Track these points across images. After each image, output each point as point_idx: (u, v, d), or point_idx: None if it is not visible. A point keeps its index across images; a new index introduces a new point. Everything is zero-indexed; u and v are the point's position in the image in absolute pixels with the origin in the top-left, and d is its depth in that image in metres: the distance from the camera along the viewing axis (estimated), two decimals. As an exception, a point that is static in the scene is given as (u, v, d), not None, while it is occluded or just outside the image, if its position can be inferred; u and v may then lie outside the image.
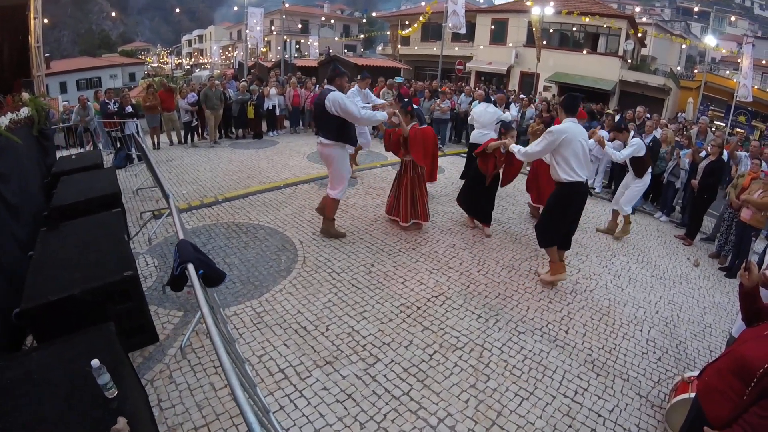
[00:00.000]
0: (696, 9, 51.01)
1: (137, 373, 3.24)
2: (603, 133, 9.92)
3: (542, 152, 5.42)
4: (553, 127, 5.37)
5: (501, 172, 6.94)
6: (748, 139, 16.59)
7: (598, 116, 13.37)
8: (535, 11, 24.78)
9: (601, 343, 4.77)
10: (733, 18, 52.18)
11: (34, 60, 8.94)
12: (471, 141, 9.07)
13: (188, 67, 66.21)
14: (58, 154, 8.89)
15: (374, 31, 51.73)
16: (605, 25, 27.07)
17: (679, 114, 25.93)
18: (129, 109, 11.19)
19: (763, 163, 8.10)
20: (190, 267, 3.05)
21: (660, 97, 27.90)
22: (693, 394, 2.89)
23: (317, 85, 15.54)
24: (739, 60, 20.49)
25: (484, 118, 8.66)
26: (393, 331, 4.52)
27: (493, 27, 32.58)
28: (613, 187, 10.66)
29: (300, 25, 51.23)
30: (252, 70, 28.84)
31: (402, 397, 3.68)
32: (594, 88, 27.05)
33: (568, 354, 4.50)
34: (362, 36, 51.29)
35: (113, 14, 74.28)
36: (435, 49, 29.50)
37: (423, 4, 35.92)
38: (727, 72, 33.47)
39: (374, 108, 7.54)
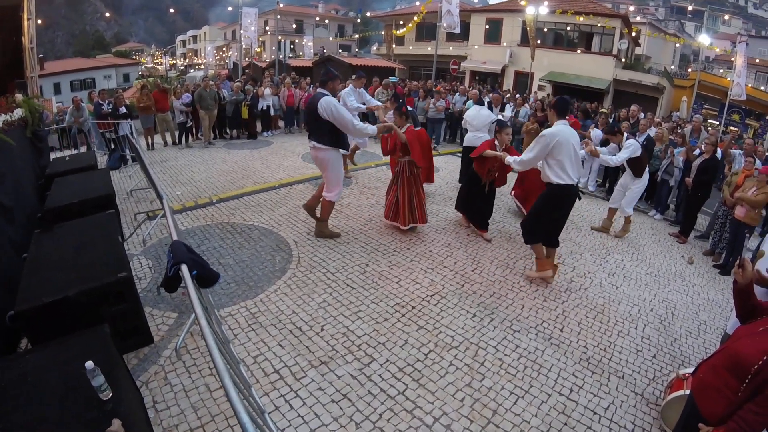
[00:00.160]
0: (690, 8, 51.18)
1: (132, 375, 3.23)
2: (597, 132, 10.00)
3: (536, 157, 5.38)
4: (545, 131, 5.37)
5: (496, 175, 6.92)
6: (742, 137, 16.65)
7: (592, 115, 13.41)
8: (530, 11, 24.83)
9: (596, 341, 4.78)
10: (726, 17, 52.33)
11: (28, 61, 8.90)
12: (465, 144, 9.09)
13: (182, 67, 66.07)
14: (52, 156, 8.85)
15: (369, 31, 51.64)
16: (599, 25, 27.14)
17: (674, 113, 26.01)
18: (123, 110, 11.16)
19: (757, 161, 8.14)
20: (184, 268, 3.05)
21: (654, 95, 28.02)
22: (688, 391, 2.90)
23: (311, 85, 15.53)
24: (732, 59, 20.52)
25: (477, 120, 8.73)
26: (388, 331, 4.53)
27: (487, 26, 32.64)
28: (607, 185, 10.70)
29: (294, 25, 51.24)
30: (246, 71, 28.78)
31: (397, 397, 3.68)
32: (588, 87, 27.17)
33: (563, 352, 4.51)
34: (357, 36, 51.20)
35: (107, 15, 74.10)
36: (429, 48, 29.54)
37: (417, 3, 35.88)
38: (721, 71, 33.61)
39: (369, 109, 7.59)
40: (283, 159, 11.01)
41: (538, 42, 27.84)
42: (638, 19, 39.42)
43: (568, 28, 29.65)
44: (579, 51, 28.84)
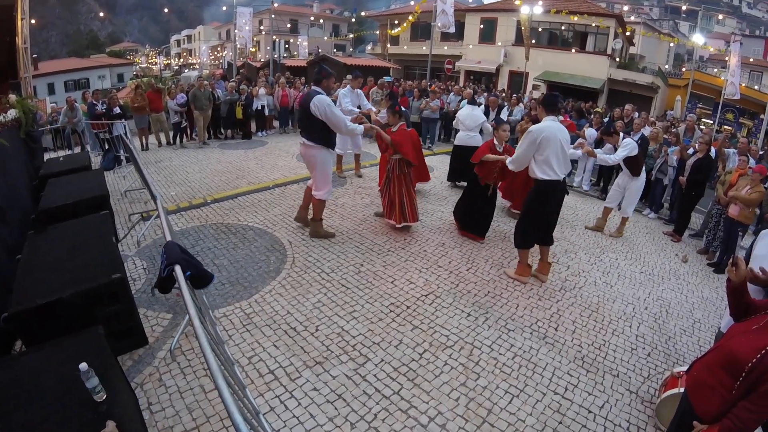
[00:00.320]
0: (684, 8, 51.37)
1: (127, 377, 3.22)
2: (591, 132, 10.02)
3: (526, 154, 5.39)
4: (532, 127, 5.41)
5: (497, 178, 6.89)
6: (736, 135, 16.72)
7: (587, 114, 13.43)
8: (524, 10, 24.85)
9: (591, 339, 4.79)
10: (721, 16, 52.62)
11: (22, 61, 8.85)
12: (456, 143, 9.13)
13: (177, 67, 65.86)
14: (46, 156, 8.83)
15: (363, 31, 51.70)
16: (594, 24, 27.24)
17: (668, 112, 26.11)
18: (117, 110, 11.14)
19: (751, 160, 8.17)
20: (178, 269, 3.04)
21: (648, 95, 28.12)
22: (682, 389, 2.91)
23: (306, 85, 15.51)
24: (726, 58, 20.60)
25: (469, 120, 8.82)
26: (383, 331, 4.53)
27: (482, 26, 32.68)
28: (602, 184, 10.72)
29: (289, 25, 51.09)
30: (241, 70, 28.77)
31: (392, 397, 3.68)
32: (583, 86, 27.24)
33: (558, 351, 4.52)
34: (351, 35, 51.23)
35: (101, 14, 73.77)
36: (424, 48, 29.51)
37: (412, 3, 35.90)
38: (715, 70, 33.74)
39: (362, 113, 7.60)
40: (278, 159, 11.00)
41: (533, 41, 27.89)
42: (632, 18, 39.59)
43: (563, 27, 29.74)
44: (573, 50, 28.93)
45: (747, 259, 3.49)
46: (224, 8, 47.17)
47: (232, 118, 13.41)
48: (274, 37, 33.98)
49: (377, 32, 44.02)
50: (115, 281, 3.67)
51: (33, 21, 10.39)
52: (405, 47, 37.61)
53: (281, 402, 3.52)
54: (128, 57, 65.06)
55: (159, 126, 12.44)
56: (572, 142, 8.58)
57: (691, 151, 8.68)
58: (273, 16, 34.08)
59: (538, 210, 5.54)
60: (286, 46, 47.21)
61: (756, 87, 29.29)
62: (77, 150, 11.06)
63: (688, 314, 5.70)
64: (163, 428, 3.24)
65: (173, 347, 3.78)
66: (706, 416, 2.46)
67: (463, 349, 4.37)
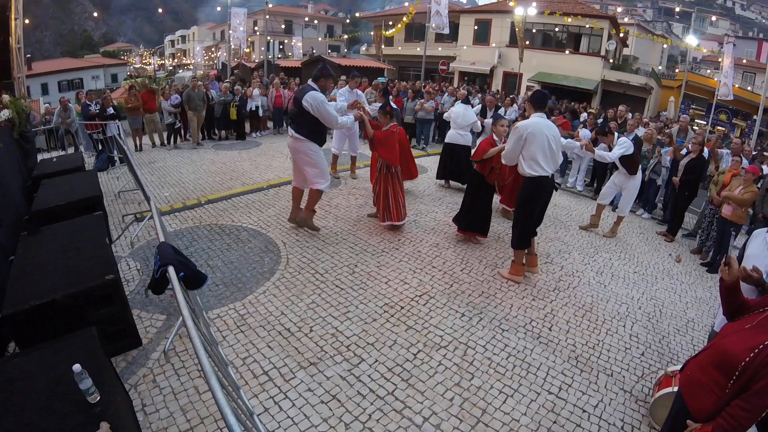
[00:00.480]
0: (677, 9, 51.61)
1: (120, 378, 3.21)
2: (585, 132, 10.05)
3: (514, 149, 5.43)
4: (518, 123, 5.47)
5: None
6: (729, 136, 16.80)
7: (580, 115, 13.48)
8: (518, 12, 24.94)
9: (585, 339, 4.81)
10: (714, 18, 52.85)
11: (15, 61, 8.80)
12: (447, 141, 9.17)
13: (171, 67, 65.70)
14: (39, 157, 8.79)
15: (358, 32, 51.63)
16: (587, 26, 27.31)
17: (661, 113, 26.21)
18: (111, 110, 11.10)
19: (744, 160, 8.21)
20: (171, 269, 3.03)
21: (642, 96, 28.23)
22: (676, 388, 2.92)
23: (300, 85, 15.48)
24: (720, 59, 20.74)
25: (461, 119, 8.91)
26: (377, 331, 4.53)
27: (476, 27, 32.75)
28: (595, 185, 10.76)
29: (283, 26, 51.07)
30: (235, 71, 28.70)
31: (387, 397, 3.68)
32: (577, 87, 27.33)
33: (552, 351, 4.53)
34: (346, 36, 51.19)
35: (95, 14, 73.35)
36: (418, 49, 29.58)
37: (406, 4, 35.99)
38: (708, 71, 33.91)
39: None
40: (272, 160, 10.99)
41: (527, 43, 27.96)
42: (626, 20, 39.69)
43: (557, 28, 29.82)
44: (567, 52, 29.04)
45: (740, 258, 3.51)
46: (219, 9, 47.10)
47: (226, 118, 13.38)
48: (269, 37, 34.01)
49: (372, 33, 43.94)
50: (109, 282, 3.65)
51: (26, 21, 10.34)
52: (399, 48, 37.65)
53: (275, 403, 3.52)
54: (122, 57, 64.97)
55: (153, 127, 12.40)
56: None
57: (684, 151, 8.72)
58: (267, 16, 34.12)
59: (532, 208, 5.58)
60: (281, 46, 47.23)
61: (749, 88, 29.49)
62: (71, 151, 11.03)
63: (682, 314, 5.72)
64: (158, 429, 3.22)
65: (167, 348, 3.77)
66: (700, 415, 2.47)
67: (458, 350, 4.37)
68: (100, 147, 10.69)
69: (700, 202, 8.89)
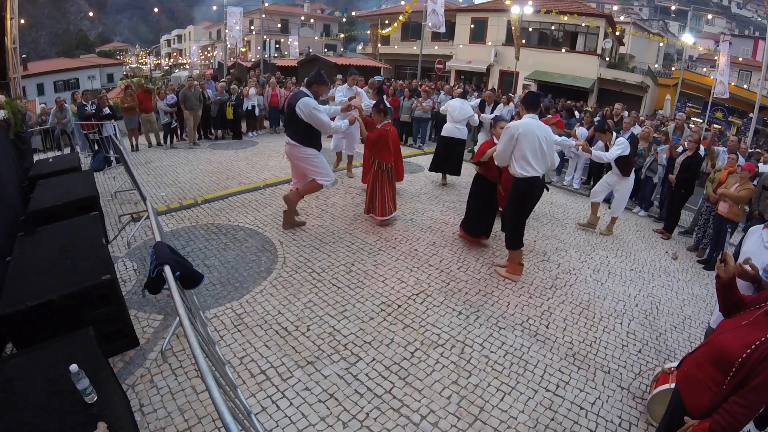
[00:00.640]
0: (673, 8, 51.57)
1: (118, 378, 3.21)
2: (582, 131, 10.06)
3: (505, 149, 5.45)
4: (509, 124, 5.51)
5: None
6: (725, 134, 16.84)
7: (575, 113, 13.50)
8: (515, 10, 24.90)
9: (582, 336, 4.82)
10: (710, 16, 52.92)
11: (11, 61, 8.78)
12: (443, 134, 9.24)
13: (167, 67, 65.52)
14: (36, 158, 8.76)
15: (354, 31, 51.62)
16: (584, 24, 27.36)
17: (658, 111, 26.27)
18: (107, 110, 11.07)
19: (740, 158, 8.23)
20: (167, 269, 3.03)
21: (638, 94, 28.29)
22: (673, 385, 2.92)
23: (297, 84, 15.49)
24: (716, 57, 20.74)
25: (458, 112, 9.01)
26: (374, 330, 4.53)
27: (472, 26, 32.77)
28: (591, 183, 10.76)
29: (280, 25, 51.03)
30: (231, 70, 28.66)
31: (384, 395, 3.69)
32: (573, 86, 27.38)
33: (549, 348, 4.54)
34: (342, 35, 51.16)
35: (91, 14, 73.13)
36: (415, 48, 29.53)
37: (403, 3, 35.91)
38: (705, 69, 34.00)
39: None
40: (269, 159, 10.98)
41: (523, 41, 27.94)
42: (622, 18, 39.73)
43: (553, 27, 29.86)
44: (564, 50, 29.05)
45: (736, 255, 3.52)
46: (214, 8, 47.06)
47: (223, 118, 13.36)
48: (265, 36, 33.90)
49: (368, 32, 43.99)
50: (105, 283, 3.65)
51: (22, 21, 10.31)
52: (396, 47, 37.66)
53: (273, 402, 3.52)
54: (118, 57, 64.71)
55: (149, 126, 12.37)
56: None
57: (680, 149, 8.74)
58: (264, 15, 34.01)
59: (523, 208, 5.64)
60: (277, 45, 47.09)
61: (745, 86, 29.52)
62: (67, 151, 10.97)
63: (679, 311, 5.74)
64: (155, 429, 3.22)
65: (164, 348, 3.76)
66: (697, 412, 2.47)
67: (455, 348, 4.38)
68: (96, 147, 10.67)
69: (697, 199, 8.90)
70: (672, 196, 8.48)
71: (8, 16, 8.49)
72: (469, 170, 10.65)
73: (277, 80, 16.47)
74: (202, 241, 6.25)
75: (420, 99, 13.14)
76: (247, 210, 7.44)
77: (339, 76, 15.46)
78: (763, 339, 2.25)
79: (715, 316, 3.56)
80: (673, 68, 37.27)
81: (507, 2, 25.01)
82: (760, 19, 53.16)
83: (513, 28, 26.70)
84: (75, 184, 6.10)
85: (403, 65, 37.31)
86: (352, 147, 9.53)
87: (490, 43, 31.58)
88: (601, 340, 4.81)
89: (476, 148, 7.52)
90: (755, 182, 7.37)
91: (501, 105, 13.03)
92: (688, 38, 26.91)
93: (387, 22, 34.90)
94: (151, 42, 75.25)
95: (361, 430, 3.35)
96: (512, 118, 11.47)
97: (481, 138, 10.81)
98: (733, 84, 23.91)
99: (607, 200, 8.56)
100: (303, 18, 54.91)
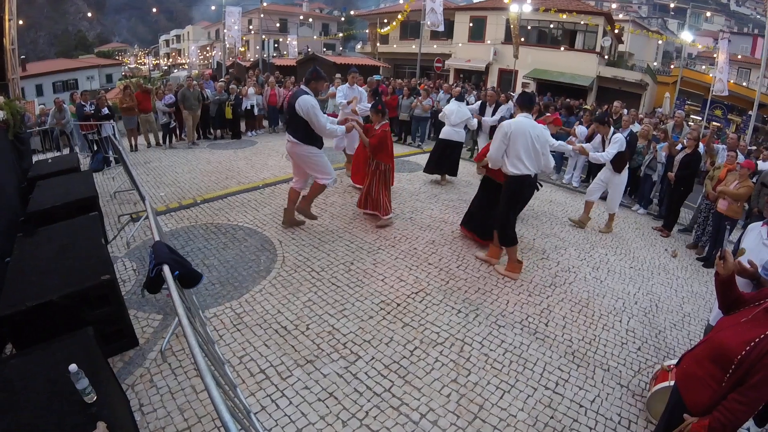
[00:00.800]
0: (672, 5, 51.50)
1: (117, 378, 3.21)
2: (581, 129, 10.06)
3: (498, 148, 5.48)
4: (502, 123, 5.56)
5: None
6: (724, 131, 16.84)
7: (576, 111, 13.50)
8: (513, 8, 24.89)
9: (581, 334, 4.82)
10: (709, 14, 52.94)
11: (9, 62, 8.78)
12: (441, 137, 9.30)
13: (166, 67, 65.46)
14: (35, 158, 8.75)
15: (353, 30, 51.65)
16: (583, 22, 27.36)
17: (657, 109, 26.26)
18: (105, 111, 11.08)
19: (739, 155, 8.24)
20: (166, 268, 3.03)
21: (637, 92, 28.27)
22: (672, 383, 2.93)
23: (296, 84, 15.48)
24: (715, 55, 20.80)
25: (455, 115, 9.03)
26: (373, 329, 4.53)
27: (471, 24, 32.77)
28: (591, 181, 10.75)
29: (278, 24, 51.03)
30: (230, 70, 28.66)
31: (384, 394, 3.69)
32: (572, 84, 27.37)
33: (549, 346, 4.54)
34: (341, 34, 51.16)
35: (90, 14, 73.01)
36: (414, 47, 29.58)
37: (401, 2, 35.89)
38: (704, 67, 34.02)
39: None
40: (268, 158, 10.98)
41: (522, 39, 27.97)
42: (621, 16, 39.67)
43: (552, 25, 29.85)
44: (563, 48, 29.05)
45: (735, 252, 3.52)
46: (213, 8, 46.98)
47: (222, 117, 13.36)
48: (264, 36, 33.94)
49: (367, 31, 44.02)
50: (105, 283, 3.65)
51: (20, 21, 10.31)
52: (395, 46, 37.68)
53: (272, 401, 3.52)
54: (117, 57, 64.70)
55: (148, 126, 12.37)
56: (563, 140, 8.65)
57: (679, 147, 8.74)
58: (262, 15, 34.03)
59: (514, 206, 5.70)
60: (276, 45, 47.13)
61: (744, 84, 29.54)
62: (66, 151, 10.98)
63: (678, 308, 5.74)
64: (155, 429, 3.22)
65: (164, 348, 3.76)
66: (696, 409, 2.48)
67: (454, 346, 4.38)
68: (95, 147, 10.67)
69: (696, 197, 8.90)
70: (671, 193, 8.49)
71: (6, 17, 8.49)
72: (467, 169, 10.67)
73: (276, 80, 16.45)
74: (202, 241, 6.25)
75: (420, 98, 13.14)
76: (246, 209, 7.44)
77: (338, 76, 15.46)
78: (762, 336, 2.26)
79: (714, 314, 3.56)
80: (672, 66, 37.30)
81: (506, 0, 25.00)
82: (759, 17, 53.11)
83: (512, 26, 26.73)
84: (74, 185, 6.10)
85: (402, 64, 37.33)
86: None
87: (488, 42, 31.58)
88: (601, 337, 4.82)
89: (476, 148, 7.54)
90: (754, 179, 7.37)
91: (503, 106, 13.04)
92: (687, 36, 26.86)
93: (386, 21, 34.93)
94: (149, 42, 75.25)
95: (360, 428, 3.35)
96: (511, 116, 11.51)
97: (482, 141, 10.81)
98: (732, 81, 23.94)
99: (604, 198, 8.54)
100: (302, 17, 54.87)
